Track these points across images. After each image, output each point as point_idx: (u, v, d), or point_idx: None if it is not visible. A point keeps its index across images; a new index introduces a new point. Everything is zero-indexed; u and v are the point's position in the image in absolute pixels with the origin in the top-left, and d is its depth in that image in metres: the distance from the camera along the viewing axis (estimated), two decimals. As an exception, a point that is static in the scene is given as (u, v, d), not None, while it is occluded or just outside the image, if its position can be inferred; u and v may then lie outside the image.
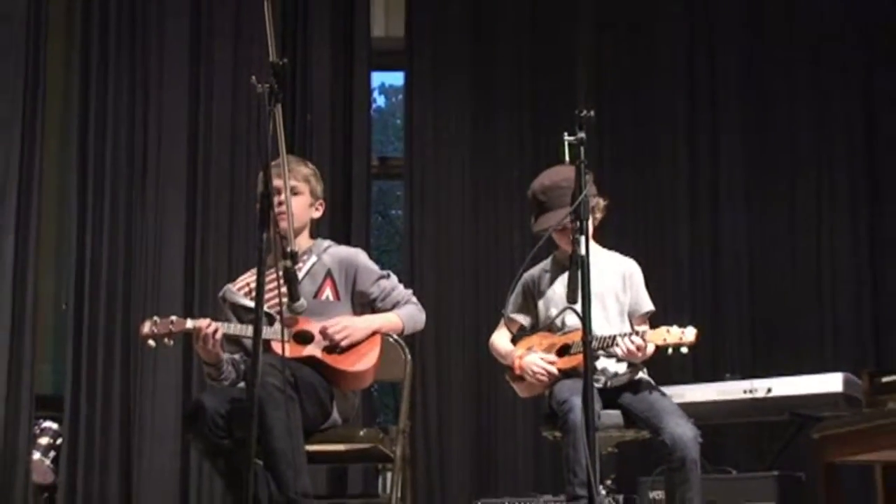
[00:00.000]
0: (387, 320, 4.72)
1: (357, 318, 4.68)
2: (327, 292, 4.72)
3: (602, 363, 4.71)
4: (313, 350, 4.57)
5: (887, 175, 7.31)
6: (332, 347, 4.59)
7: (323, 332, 4.57)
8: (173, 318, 4.54)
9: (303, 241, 4.76)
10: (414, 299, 4.85)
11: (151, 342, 4.54)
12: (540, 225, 4.75)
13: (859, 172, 7.33)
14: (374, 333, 4.66)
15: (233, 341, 4.63)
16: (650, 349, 4.60)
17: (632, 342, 4.55)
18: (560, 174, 4.63)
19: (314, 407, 4.48)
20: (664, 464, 4.56)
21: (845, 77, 7.43)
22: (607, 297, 4.78)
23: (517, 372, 4.80)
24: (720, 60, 7.53)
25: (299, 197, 4.75)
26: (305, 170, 4.81)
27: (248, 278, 4.80)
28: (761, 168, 7.42)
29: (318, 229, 4.92)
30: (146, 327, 4.54)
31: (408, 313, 4.79)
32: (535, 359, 4.74)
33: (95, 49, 7.42)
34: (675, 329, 4.53)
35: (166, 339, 4.53)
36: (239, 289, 4.79)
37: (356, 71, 7.60)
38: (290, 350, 4.51)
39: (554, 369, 4.68)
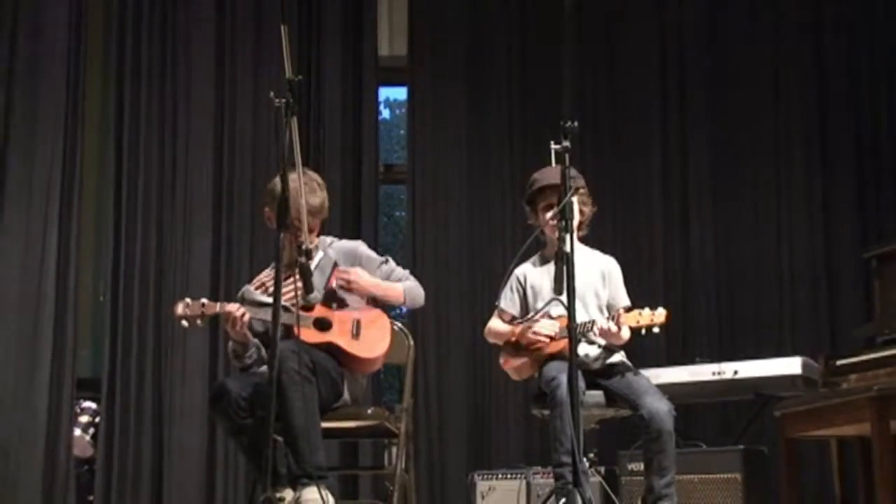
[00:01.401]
0: (391, 287, 4.75)
1: (366, 275, 4.69)
2: (334, 284, 4.72)
3: (583, 349, 4.71)
4: (332, 337, 4.58)
5: (840, 180, 7.31)
6: (350, 334, 4.61)
7: (338, 275, 4.59)
8: (204, 300, 4.54)
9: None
10: (412, 277, 4.88)
11: (185, 322, 4.53)
12: (537, 185, 4.77)
13: (815, 177, 7.33)
14: (376, 297, 4.71)
15: (255, 331, 4.62)
16: (626, 332, 4.61)
17: (605, 322, 4.57)
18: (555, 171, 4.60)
19: (328, 388, 4.50)
20: (642, 436, 4.57)
21: (801, 82, 7.45)
22: (587, 293, 4.78)
23: (515, 339, 4.80)
24: (689, 74, 7.54)
25: (316, 230, 4.75)
26: (318, 201, 4.69)
27: (264, 277, 4.80)
28: (726, 170, 7.42)
29: (327, 229, 4.92)
30: (180, 308, 4.53)
31: (410, 287, 4.82)
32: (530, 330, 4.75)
33: (129, 65, 7.41)
34: (646, 311, 4.53)
35: (198, 321, 4.52)
36: (256, 288, 4.79)
37: (364, 86, 7.60)
38: (311, 335, 4.53)
39: (549, 330, 4.68)
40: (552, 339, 4.71)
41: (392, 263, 4.87)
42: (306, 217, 4.44)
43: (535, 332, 4.73)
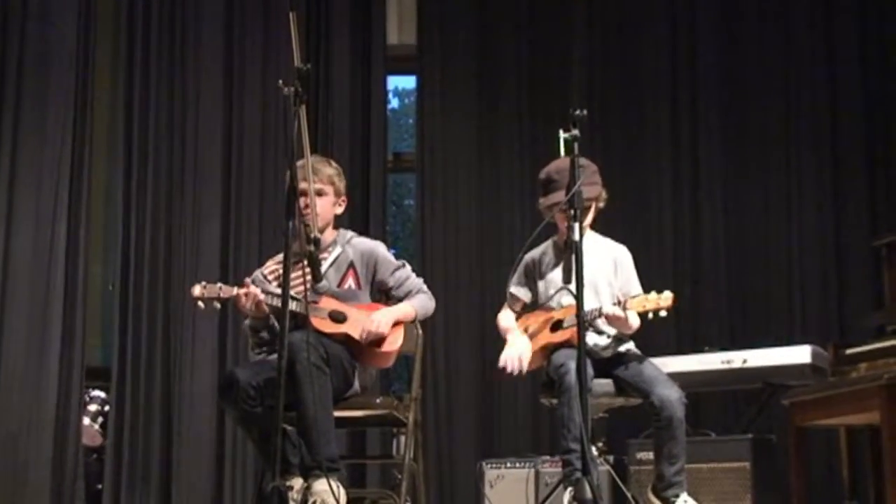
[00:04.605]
0: (403, 312, 4.73)
1: (381, 312, 4.67)
2: (350, 282, 4.73)
3: (592, 339, 4.70)
4: (348, 328, 4.58)
5: (851, 168, 7.30)
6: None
7: (366, 334, 4.58)
8: (220, 284, 4.53)
9: (328, 235, 4.75)
10: (425, 288, 4.86)
11: (201, 304, 4.52)
12: (549, 200, 4.71)
13: (825, 164, 7.32)
14: (395, 324, 4.67)
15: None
16: (635, 319, 4.59)
17: (611, 307, 4.56)
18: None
19: (340, 379, 4.51)
20: (653, 423, 4.57)
21: (811, 66, 7.45)
22: (600, 282, 4.76)
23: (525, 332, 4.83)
24: (699, 60, 7.52)
25: (325, 197, 4.72)
26: (330, 170, 4.76)
27: (275, 265, 4.79)
28: (736, 158, 7.41)
29: (339, 218, 4.90)
30: (197, 290, 4.51)
31: (420, 303, 4.80)
32: (512, 352, 4.77)
33: (139, 55, 7.43)
34: (652, 294, 4.50)
35: (215, 303, 4.52)
36: (270, 272, 4.78)
37: (373, 75, 7.59)
38: (327, 326, 4.54)
39: (521, 366, 4.71)
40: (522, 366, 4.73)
41: (407, 269, 4.85)
42: (315, 179, 4.45)
43: (507, 363, 4.74)
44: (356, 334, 4.58)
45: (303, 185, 4.19)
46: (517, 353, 4.73)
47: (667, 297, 4.46)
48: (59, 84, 7.29)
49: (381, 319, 4.62)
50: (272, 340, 4.64)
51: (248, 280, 4.59)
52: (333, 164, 4.85)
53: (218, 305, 4.56)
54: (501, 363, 4.76)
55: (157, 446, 7.07)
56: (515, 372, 4.72)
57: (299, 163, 4.08)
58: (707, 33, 7.53)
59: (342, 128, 7.48)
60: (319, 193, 4.66)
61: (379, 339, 4.62)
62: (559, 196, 4.57)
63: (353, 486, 6.55)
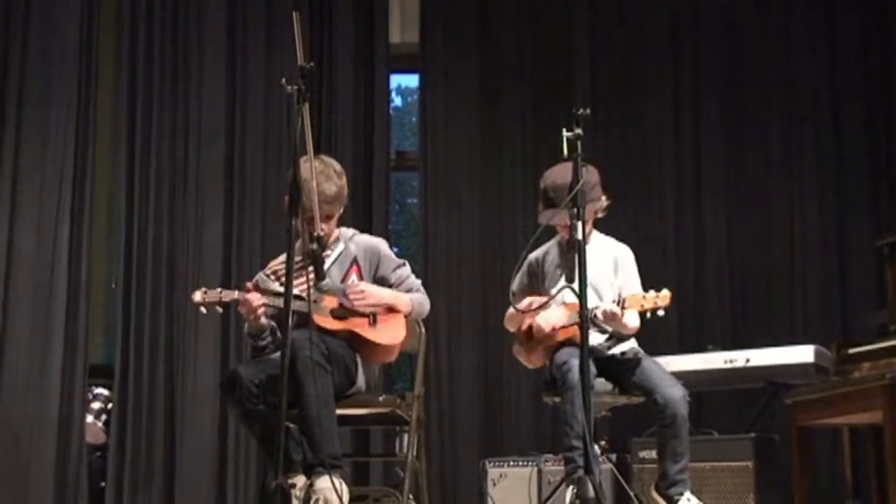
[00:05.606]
0: (399, 299, 4.72)
1: (374, 287, 4.69)
2: (353, 278, 4.72)
3: (594, 338, 4.69)
4: (350, 324, 4.59)
5: (853, 167, 7.29)
6: (367, 323, 4.63)
7: (346, 294, 4.58)
8: (221, 289, 4.53)
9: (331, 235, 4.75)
10: (423, 289, 4.85)
11: (203, 309, 4.51)
12: (545, 217, 4.69)
13: (828, 163, 7.32)
14: (387, 308, 4.67)
15: (271, 318, 4.62)
16: (634, 320, 4.59)
17: (608, 304, 4.57)
18: (570, 176, 4.49)
19: (342, 377, 4.52)
20: (656, 422, 4.57)
21: (813, 65, 7.45)
22: (601, 281, 4.76)
23: (525, 330, 4.81)
24: (702, 57, 7.52)
25: (334, 219, 4.72)
26: (335, 189, 4.66)
27: (278, 265, 4.78)
28: (739, 158, 7.41)
29: (341, 216, 4.89)
30: (198, 296, 4.49)
31: (418, 300, 4.79)
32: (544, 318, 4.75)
33: (142, 54, 7.43)
34: (650, 293, 4.50)
35: (217, 307, 4.51)
36: (273, 272, 4.77)
37: (376, 74, 7.60)
38: (329, 323, 4.55)
39: (555, 319, 4.69)
40: (555, 329, 4.70)
41: (408, 269, 4.85)
42: (322, 205, 4.45)
43: (541, 322, 4.72)
44: (359, 329, 4.59)
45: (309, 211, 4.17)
46: (553, 317, 4.72)
47: (664, 296, 4.46)
48: (62, 83, 7.29)
49: (378, 290, 4.66)
50: (271, 343, 4.64)
51: (248, 285, 4.57)
52: (335, 168, 4.73)
53: (220, 310, 4.55)
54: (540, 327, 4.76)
55: (161, 444, 7.07)
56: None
57: (303, 162, 4.07)
58: (709, 32, 7.53)
59: (345, 126, 7.48)
60: (329, 217, 4.65)
61: (377, 319, 4.64)
62: (558, 215, 4.53)
63: (356, 484, 6.57)
